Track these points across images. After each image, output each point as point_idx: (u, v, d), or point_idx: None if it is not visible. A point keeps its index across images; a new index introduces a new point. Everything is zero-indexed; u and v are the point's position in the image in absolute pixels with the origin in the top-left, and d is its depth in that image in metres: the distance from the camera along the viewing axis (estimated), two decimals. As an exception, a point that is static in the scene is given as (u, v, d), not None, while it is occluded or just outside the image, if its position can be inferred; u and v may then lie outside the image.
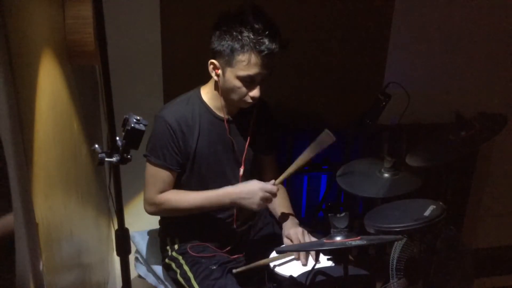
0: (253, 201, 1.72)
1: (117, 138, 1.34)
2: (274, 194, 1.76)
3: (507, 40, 2.58)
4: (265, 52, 1.61)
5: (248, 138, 1.85)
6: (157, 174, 1.77)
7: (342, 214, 1.42)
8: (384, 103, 2.01)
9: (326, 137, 1.72)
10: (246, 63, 1.63)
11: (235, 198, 1.74)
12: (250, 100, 1.71)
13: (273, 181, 1.78)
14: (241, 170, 1.86)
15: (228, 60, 1.65)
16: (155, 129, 1.76)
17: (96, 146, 1.34)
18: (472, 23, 2.51)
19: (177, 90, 1.86)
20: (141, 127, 1.30)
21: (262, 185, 1.73)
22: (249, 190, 1.73)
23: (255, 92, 1.69)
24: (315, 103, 2.47)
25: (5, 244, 0.88)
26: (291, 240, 1.79)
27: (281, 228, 1.89)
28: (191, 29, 2.17)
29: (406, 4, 2.41)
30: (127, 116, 1.33)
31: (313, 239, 1.81)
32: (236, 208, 1.87)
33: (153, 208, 1.81)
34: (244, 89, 1.69)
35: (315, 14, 2.33)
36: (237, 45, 1.62)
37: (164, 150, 1.74)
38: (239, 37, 1.61)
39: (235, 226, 1.90)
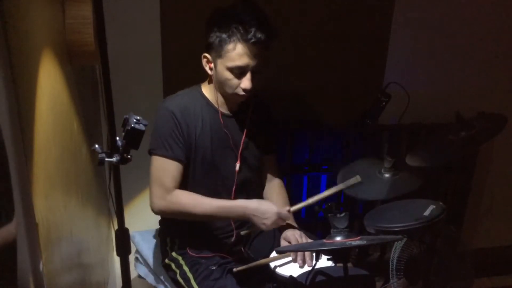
0: (265, 222, 1.73)
1: (117, 138, 1.34)
2: (285, 221, 1.81)
3: (508, 39, 2.58)
4: (252, 40, 1.61)
5: (244, 134, 1.85)
6: (165, 168, 1.73)
7: (342, 214, 1.42)
8: (384, 103, 2.01)
9: (355, 182, 1.79)
10: (234, 53, 1.63)
11: (249, 213, 1.75)
12: (242, 93, 1.71)
13: (288, 207, 1.82)
14: (237, 165, 1.85)
15: (218, 52, 1.66)
16: (158, 120, 1.74)
17: (96, 146, 1.34)
18: (472, 23, 2.50)
19: (177, 90, 1.86)
20: (141, 127, 1.30)
21: (278, 210, 1.75)
22: (264, 210, 1.74)
23: (246, 83, 1.68)
24: (315, 102, 2.47)
25: (7, 244, 0.88)
26: (289, 242, 1.79)
27: (280, 230, 1.89)
28: (191, 29, 2.17)
29: (406, 4, 2.41)
30: (127, 116, 1.33)
31: (310, 241, 1.81)
32: None
33: (163, 203, 1.73)
34: (235, 81, 1.68)
35: (315, 13, 2.33)
36: (224, 36, 1.63)
37: (170, 140, 1.72)
38: (227, 27, 1.62)
39: (233, 227, 1.90)
